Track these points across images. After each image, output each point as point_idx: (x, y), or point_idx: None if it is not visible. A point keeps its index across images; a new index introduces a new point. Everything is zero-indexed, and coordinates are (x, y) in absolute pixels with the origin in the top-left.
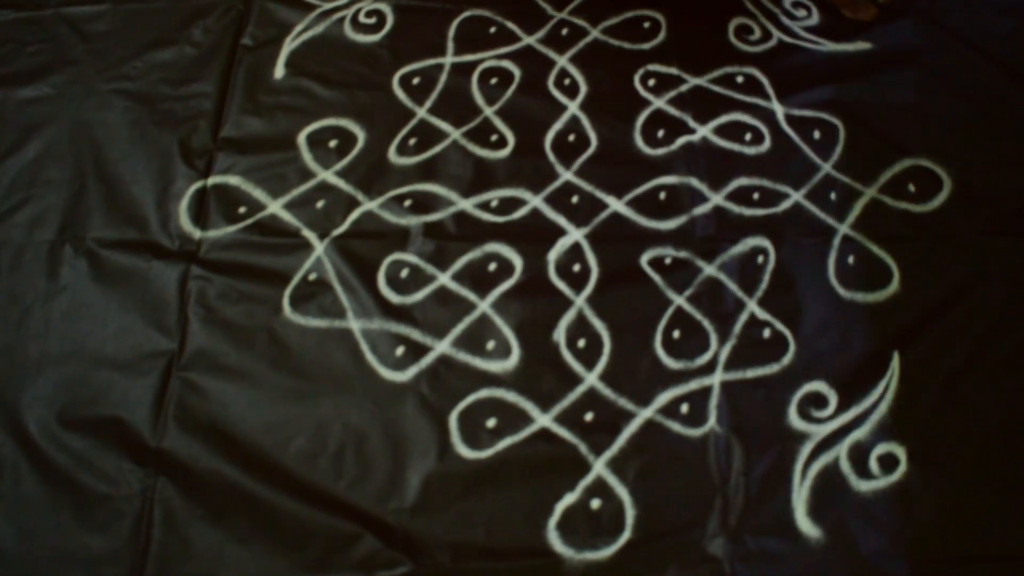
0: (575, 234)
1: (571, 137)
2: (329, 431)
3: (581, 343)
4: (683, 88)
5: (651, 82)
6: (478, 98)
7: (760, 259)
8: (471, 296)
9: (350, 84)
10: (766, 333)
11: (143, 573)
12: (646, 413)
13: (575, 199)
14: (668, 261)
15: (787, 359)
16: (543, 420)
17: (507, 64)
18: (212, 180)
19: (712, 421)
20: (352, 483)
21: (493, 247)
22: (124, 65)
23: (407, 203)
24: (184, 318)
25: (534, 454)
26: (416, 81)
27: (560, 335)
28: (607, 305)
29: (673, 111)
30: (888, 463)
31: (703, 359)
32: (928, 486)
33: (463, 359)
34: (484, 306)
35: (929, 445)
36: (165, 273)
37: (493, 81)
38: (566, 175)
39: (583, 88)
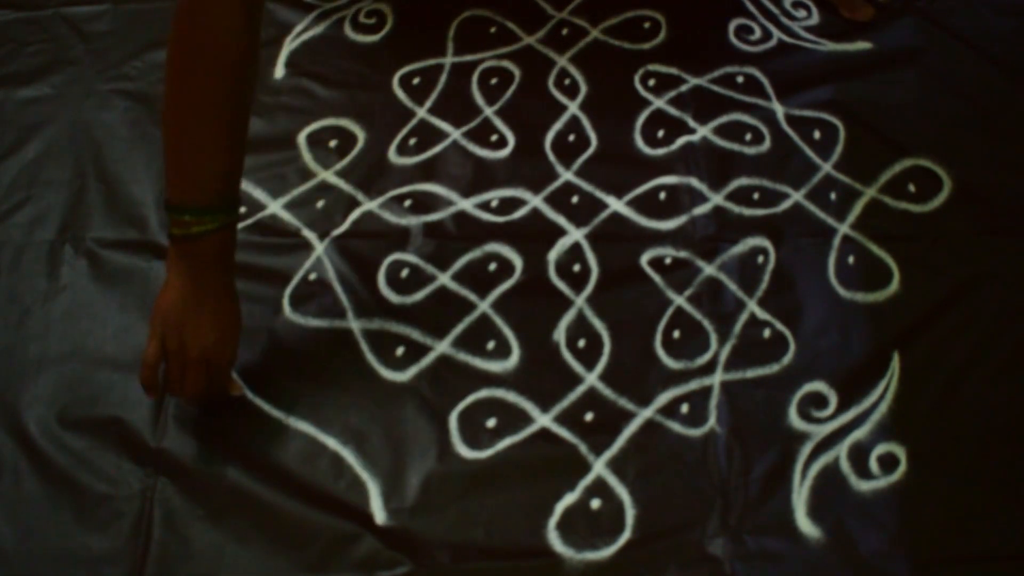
0: (575, 234)
1: (571, 137)
2: (329, 431)
3: (581, 343)
4: (683, 88)
5: (651, 82)
6: (478, 98)
7: (760, 259)
8: (471, 296)
9: (350, 84)
10: (766, 333)
11: (143, 573)
12: (646, 413)
13: (575, 199)
14: (668, 261)
15: (787, 359)
16: (543, 420)
17: (507, 64)
18: None
19: (712, 421)
20: (352, 483)
21: (493, 247)
22: (124, 65)
23: (407, 203)
24: None
25: (534, 454)
26: (416, 81)
27: (560, 335)
28: (607, 305)
29: (673, 111)
30: (888, 463)
31: (703, 359)
32: (928, 486)
33: (463, 359)
34: (484, 306)
35: (929, 445)
36: (165, 273)
37: (493, 81)
38: (566, 175)
39: (583, 88)
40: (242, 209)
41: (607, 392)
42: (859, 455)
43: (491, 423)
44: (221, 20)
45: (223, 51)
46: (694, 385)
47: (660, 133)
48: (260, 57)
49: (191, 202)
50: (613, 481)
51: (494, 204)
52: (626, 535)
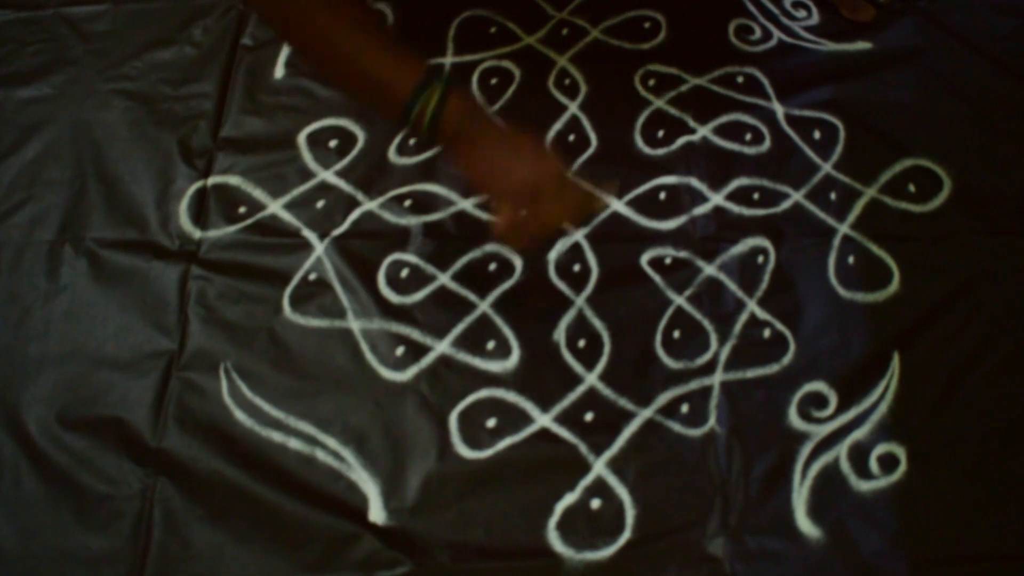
0: (575, 234)
1: (571, 137)
2: (329, 431)
3: (581, 343)
4: (683, 88)
5: (651, 82)
6: (478, 98)
7: (760, 259)
8: (471, 296)
9: None
10: (766, 333)
11: (143, 573)
12: (646, 413)
13: None
14: (668, 261)
15: (787, 359)
16: (543, 420)
17: (507, 64)
18: (212, 180)
19: (712, 421)
20: (352, 483)
21: (493, 247)
22: (124, 65)
23: (407, 203)
24: (184, 318)
25: (534, 454)
26: None
27: (560, 335)
28: (607, 305)
29: (673, 111)
30: (888, 463)
31: (703, 359)
32: (928, 486)
33: (463, 359)
34: (484, 306)
35: (929, 445)
36: (165, 273)
37: (493, 81)
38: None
39: (583, 88)
40: (241, 209)
41: (607, 392)
42: (859, 455)
43: (491, 423)
44: None
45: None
46: (694, 385)
47: (660, 133)
48: None
49: (404, 102)
50: (613, 481)
51: (494, 204)
52: (626, 535)
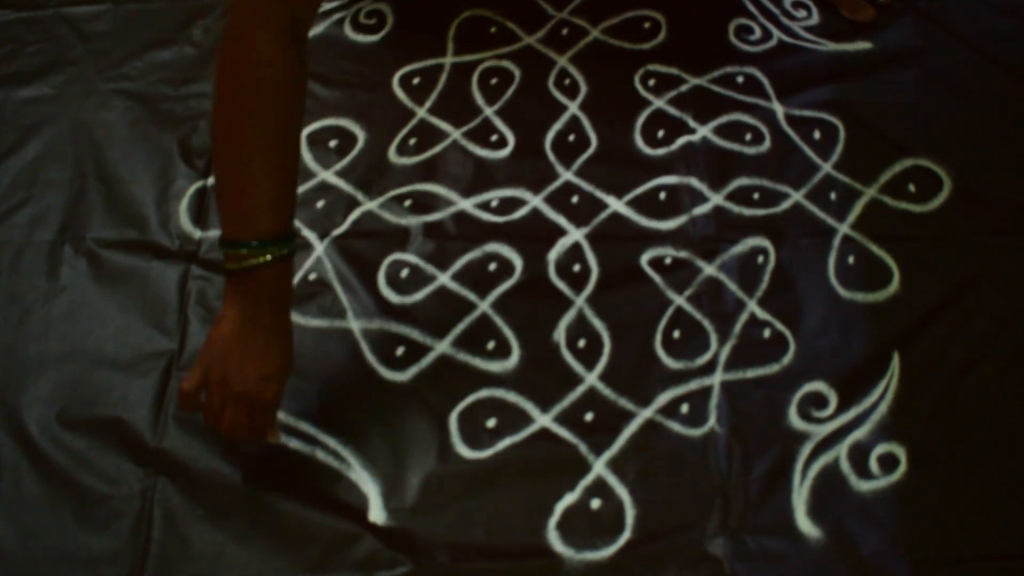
0: (575, 234)
1: (571, 137)
2: (329, 431)
3: (581, 343)
4: (683, 88)
5: (651, 82)
6: (478, 98)
7: (760, 259)
8: (471, 296)
9: (350, 84)
10: (766, 333)
11: (143, 573)
12: (646, 413)
13: (575, 199)
14: (668, 261)
15: (787, 359)
16: (543, 420)
17: (507, 64)
18: (212, 180)
19: (712, 421)
20: (352, 483)
21: (493, 247)
22: (124, 65)
23: (407, 203)
24: (184, 318)
25: (534, 454)
26: (416, 81)
27: (560, 335)
28: (607, 305)
29: (673, 111)
30: (888, 463)
31: (703, 359)
32: (928, 486)
33: (463, 359)
34: (484, 306)
35: (929, 445)
36: (165, 273)
37: (493, 81)
38: (566, 175)
39: (583, 88)
40: None
41: (607, 392)
42: (859, 455)
43: (491, 423)
44: (265, 49)
45: (269, 81)
46: (694, 385)
47: (660, 133)
48: (306, 84)
49: (245, 236)
50: (613, 481)
51: (494, 204)
52: (626, 535)
